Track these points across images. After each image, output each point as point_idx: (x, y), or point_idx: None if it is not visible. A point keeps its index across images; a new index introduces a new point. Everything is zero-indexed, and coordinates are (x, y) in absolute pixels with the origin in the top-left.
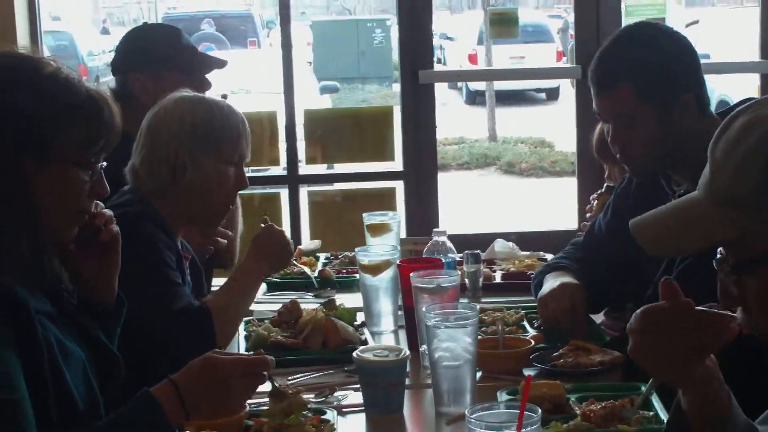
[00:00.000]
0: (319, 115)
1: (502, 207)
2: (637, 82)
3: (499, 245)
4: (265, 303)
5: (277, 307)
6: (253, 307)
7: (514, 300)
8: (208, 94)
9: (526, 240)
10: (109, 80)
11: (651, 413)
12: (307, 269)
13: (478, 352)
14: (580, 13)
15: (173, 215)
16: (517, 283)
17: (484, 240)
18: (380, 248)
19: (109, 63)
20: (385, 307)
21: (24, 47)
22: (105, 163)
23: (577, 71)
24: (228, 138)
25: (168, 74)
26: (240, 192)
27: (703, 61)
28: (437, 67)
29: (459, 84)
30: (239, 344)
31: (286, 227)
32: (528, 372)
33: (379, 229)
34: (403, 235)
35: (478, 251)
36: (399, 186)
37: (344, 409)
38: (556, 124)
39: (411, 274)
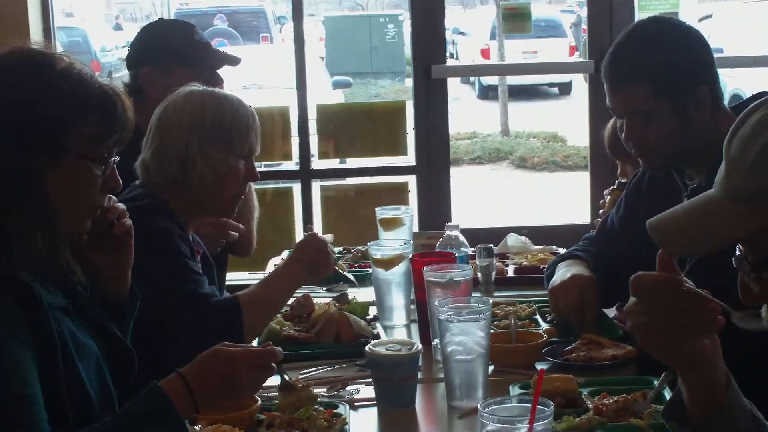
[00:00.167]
0: (331, 110)
1: (515, 201)
2: (652, 80)
3: (512, 239)
4: None
5: (289, 301)
6: None
7: (527, 294)
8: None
9: (538, 234)
10: (122, 75)
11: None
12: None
13: (491, 346)
14: (592, 8)
15: (184, 208)
16: (530, 277)
17: (497, 234)
18: (393, 242)
19: (123, 58)
20: (398, 301)
21: (37, 43)
22: (118, 158)
23: (590, 66)
24: (238, 131)
25: (179, 70)
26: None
27: (716, 55)
28: (450, 62)
29: (471, 79)
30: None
31: (298, 222)
32: (540, 366)
33: (392, 224)
34: (416, 229)
35: (491, 245)
36: (411, 180)
37: (356, 403)
38: (569, 118)
39: (424, 268)
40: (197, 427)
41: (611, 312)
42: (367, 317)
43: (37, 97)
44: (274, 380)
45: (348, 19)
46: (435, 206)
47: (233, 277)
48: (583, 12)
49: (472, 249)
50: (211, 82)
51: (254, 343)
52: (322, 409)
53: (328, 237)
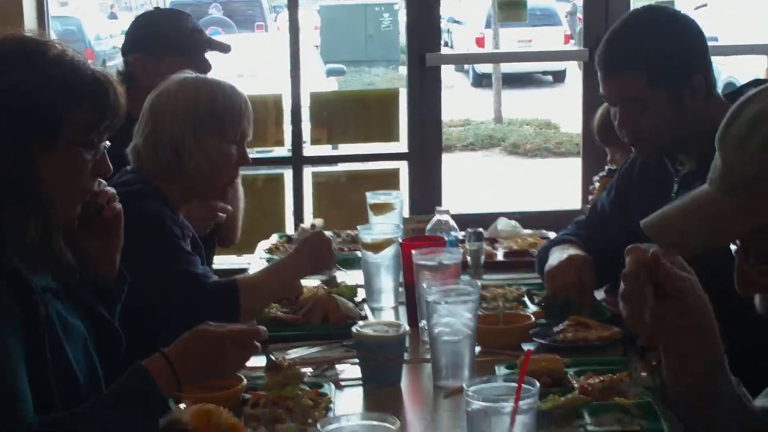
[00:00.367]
0: (324, 97)
1: (507, 188)
2: (647, 69)
3: (502, 224)
4: None
5: None
6: None
7: (516, 278)
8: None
9: (529, 219)
10: (117, 63)
11: None
12: None
13: (478, 328)
14: None
15: (175, 194)
16: (519, 261)
17: (488, 219)
18: (383, 227)
19: (118, 47)
20: (386, 284)
21: (30, 30)
22: (108, 143)
23: (584, 54)
24: (230, 118)
25: (172, 58)
26: (244, 172)
27: (711, 43)
28: (444, 51)
29: (466, 67)
30: None
31: (289, 207)
32: (527, 347)
33: (382, 208)
34: (407, 214)
35: (481, 229)
36: (403, 167)
37: (342, 383)
38: (562, 106)
39: (413, 252)
40: (182, 406)
41: (599, 294)
42: (356, 299)
43: (31, 85)
44: (260, 361)
45: (344, 8)
46: (426, 192)
47: (222, 261)
48: (579, 1)
49: (462, 233)
50: (201, 67)
51: None
52: (307, 388)
53: (319, 221)
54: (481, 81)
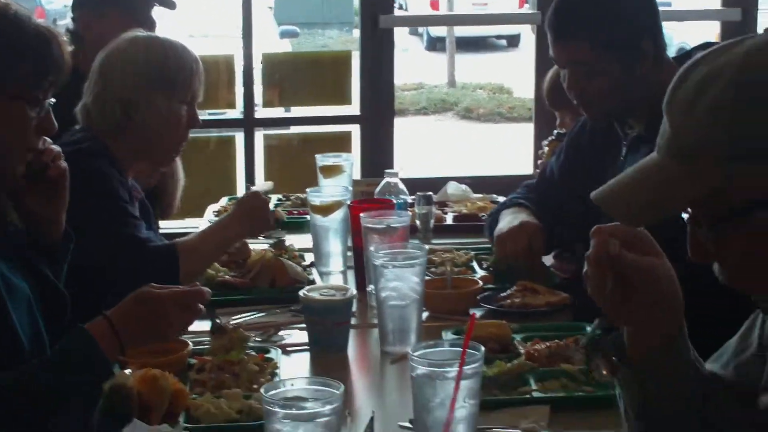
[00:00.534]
0: (277, 59)
1: (459, 152)
2: (594, 34)
3: (452, 188)
4: None
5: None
6: None
7: (465, 242)
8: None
9: (480, 183)
10: (68, 22)
11: None
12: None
13: (426, 292)
14: None
15: (125, 154)
16: (469, 226)
17: (438, 183)
18: (332, 189)
19: (69, 6)
20: (335, 248)
21: None
22: (54, 100)
23: (537, 17)
24: (181, 77)
25: (113, 11)
26: (194, 134)
27: (663, 8)
28: (398, 13)
29: (420, 30)
30: None
31: (240, 170)
32: (475, 312)
33: (332, 171)
34: (357, 177)
35: (430, 193)
36: (356, 130)
37: (288, 348)
38: (516, 71)
39: (361, 215)
40: (127, 371)
41: (548, 260)
42: (303, 263)
43: None
44: (206, 325)
45: None
46: (378, 156)
47: (172, 225)
48: None
49: (412, 197)
50: (145, 24)
51: None
52: (253, 353)
53: (268, 184)
54: (435, 45)
